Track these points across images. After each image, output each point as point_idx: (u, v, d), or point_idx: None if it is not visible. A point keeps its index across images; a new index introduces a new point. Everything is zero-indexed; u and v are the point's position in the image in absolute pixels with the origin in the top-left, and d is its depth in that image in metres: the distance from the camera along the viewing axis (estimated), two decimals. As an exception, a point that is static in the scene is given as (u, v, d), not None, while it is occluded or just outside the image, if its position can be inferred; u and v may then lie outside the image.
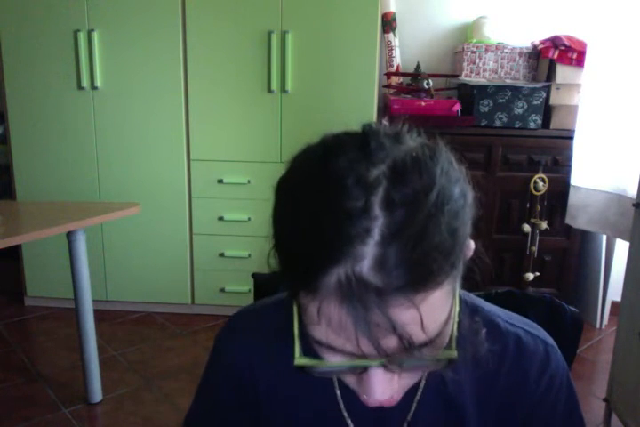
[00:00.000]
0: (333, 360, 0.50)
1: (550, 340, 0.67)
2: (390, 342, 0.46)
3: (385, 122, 0.54)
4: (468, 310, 0.59)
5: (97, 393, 2.04)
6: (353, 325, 0.45)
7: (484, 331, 0.61)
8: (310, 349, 0.51)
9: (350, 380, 0.54)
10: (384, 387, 0.51)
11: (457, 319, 0.52)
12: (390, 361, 0.48)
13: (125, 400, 2.07)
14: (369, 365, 0.49)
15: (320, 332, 0.48)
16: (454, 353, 0.51)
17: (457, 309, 0.52)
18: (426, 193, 0.45)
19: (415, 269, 0.44)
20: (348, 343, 0.47)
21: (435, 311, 0.47)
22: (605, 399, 1.87)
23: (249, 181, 2.59)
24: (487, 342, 0.61)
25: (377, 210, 0.44)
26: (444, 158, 0.50)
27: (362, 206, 0.44)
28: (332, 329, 0.47)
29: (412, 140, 0.51)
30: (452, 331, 0.51)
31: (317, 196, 0.47)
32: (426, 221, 0.44)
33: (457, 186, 0.49)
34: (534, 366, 0.64)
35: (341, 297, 0.44)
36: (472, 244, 0.53)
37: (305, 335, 0.51)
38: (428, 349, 0.48)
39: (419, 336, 0.46)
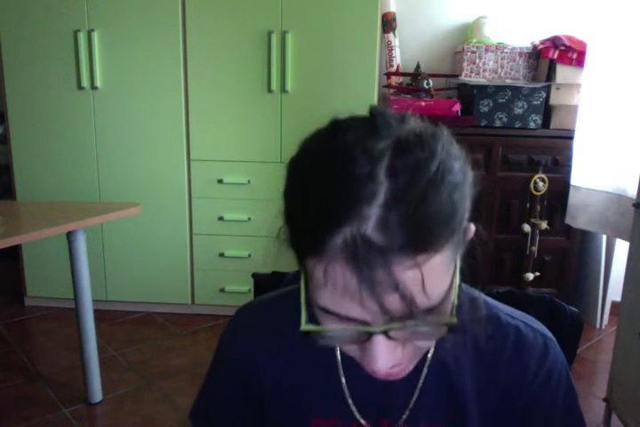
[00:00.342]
0: (337, 327, 0.52)
1: (549, 333, 0.68)
2: (393, 303, 0.48)
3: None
4: (468, 292, 0.61)
5: (97, 393, 2.04)
6: (357, 283, 0.47)
7: (482, 300, 0.64)
8: (316, 321, 0.53)
9: (354, 351, 0.56)
10: (387, 356, 0.52)
11: (457, 291, 0.54)
12: (393, 327, 0.50)
13: (125, 400, 2.07)
14: (372, 331, 0.51)
15: (325, 296, 0.50)
16: (454, 319, 0.52)
17: (457, 281, 0.54)
18: (427, 163, 0.49)
19: (416, 230, 0.46)
20: (352, 305, 0.49)
21: (436, 276, 0.49)
22: (605, 399, 1.87)
23: (249, 181, 2.59)
24: (487, 328, 0.63)
25: (382, 176, 0.47)
26: (445, 138, 0.53)
27: (368, 173, 0.47)
28: (337, 291, 0.48)
29: (416, 122, 0.54)
30: (453, 300, 0.53)
31: (326, 165, 0.50)
32: (426, 187, 0.48)
33: (457, 162, 0.52)
34: (533, 358, 0.66)
35: (347, 257, 0.47)
36: (472, 227, 0.56)
37: (311, 307, 0.53)
38: (429, 314, 0.50)
39: (420, 299, 0.48)
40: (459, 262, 0.54)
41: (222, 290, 2.73)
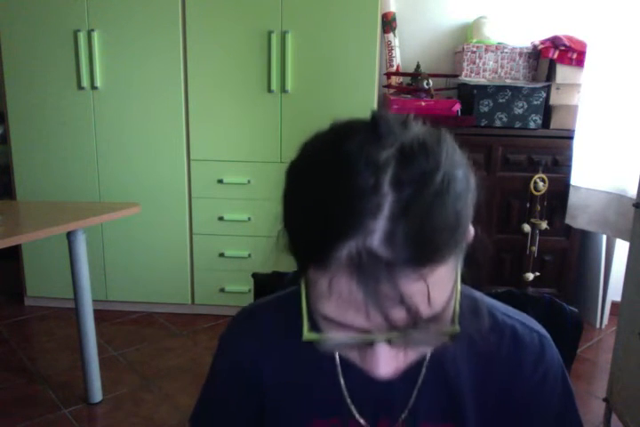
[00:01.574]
0: (340, 335, 0.51)
1: (545, 332, 0.69)
2: (398, 314, 0.48)
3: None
4: (469, 294, 0.62)
5: (97, 393, 2.04)
6: (363, 296, 0.46)
7: (483, 302, 0.65)
8: (317, 327, 0.53)
9: (355, 356, 0.56)
10: (389, 362, 0.53)
11: (459, 297, 0.54)
12: (396, 336, 0.50)
13: (125, 400, 2.07)
14: (375, 340, 0.51)
15: (330, 306, 0.50)
16: (457, 328, 0.53)
17: (459, 288, 0.55)
18: (432, 174, 0.48)
19: (422, 243, 0.46)
20: (357, 317, 0.48)
21: (440, 286, 0.49)
22: (605, 399, 1.86)
23: (249, 181, 2.59)
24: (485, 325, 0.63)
25: (386, 188, 0.46)
26: (448, 144, 0.53)
27: (372, 184, 0.46)
28: (342, 302, 0.48)
29: (419, 127, 0.53)
30: (455, 307, 0.54)
31: (329, 175, 0.49)
32: (432, 200, 0.47)
33: (460, 170, 0.52)
34: (529, 356, 0.66)
35: (352, 270, 0.46)
36: (472, 229, 0.56)
37: (312, 313, 0.53)
38: (432, 323, 0.50)
39: (425, 309, 0.49)
40: (460, 269, 0.55)
41: (222, 290, 2.73)
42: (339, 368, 0.68)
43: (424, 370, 0.67)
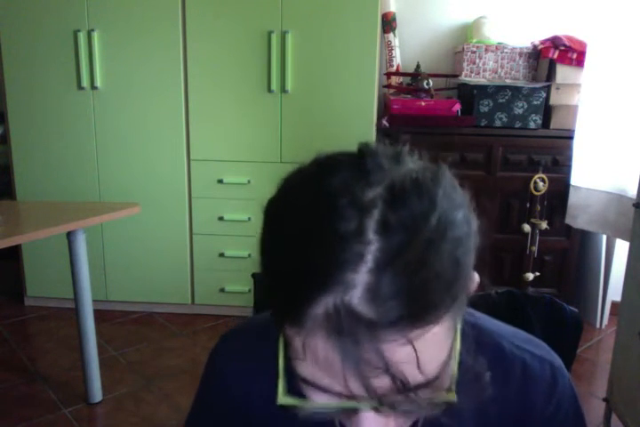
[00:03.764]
0: (321, 400, 0.45)
1: (557, 361, 0.65)
2: (382, 382, 0.42)
3: (383, 143, 0.50)
4: (472, 346, 0.53)
5: (97, 393, 2.04)
6: (341, 362, 0.41)
7: (488, 374, 0.55)
8: (297, 387, 0.47)
9: (342, 418, 0.51)
10: None
11: (458, 359, 0.48)
12: (382, 403, 0.44)
13: (125, 400, 2.07)
14: (359, 407, 0.44)
15: (306, 369, 0.44)
16: (454, 397, 0.47)
17: (458, 347, 0.49)
18: (425, 217, 0.42)
19: (412, 300, 0.40)
20: (335, 382, 0.43)
21: (433, 349, 0.44)
22: (605, 399, 1.87)
23: (249, 181, 2.59)
24: (490, 369, 0.55)
25: (371, 233, 0.40)
26: (446, 182, 0.46)
27: (355, 229, 0.40)
28: (318, 366, 0.43)
29: (413, 162, 0.47)
30: (453, 372, 0.48)
31: (307, 216, 0.43)
32: (425, 248, 0.41)
33: (460, 211, 0.45)
34: (541, 392, 0.62)
35: (329, 331, 0.41)
36: (476, 276, 0.50)
37: (292, 372, 0.47)
38: (424, 391, 0.44)
39: (414, 376, 0.43)
40: (459, 326, 0.48)
41: (222, 290, 2.73)
42: None
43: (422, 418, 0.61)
